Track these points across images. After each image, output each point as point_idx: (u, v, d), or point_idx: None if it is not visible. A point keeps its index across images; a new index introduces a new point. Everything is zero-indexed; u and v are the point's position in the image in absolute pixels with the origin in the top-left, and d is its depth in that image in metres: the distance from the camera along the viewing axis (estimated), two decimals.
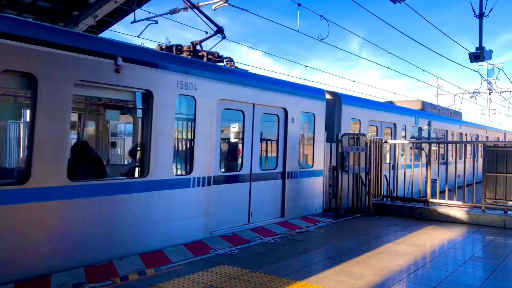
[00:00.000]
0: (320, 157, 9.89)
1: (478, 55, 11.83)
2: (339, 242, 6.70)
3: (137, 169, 6.45)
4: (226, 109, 7.61)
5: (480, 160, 11.40)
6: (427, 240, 6.98)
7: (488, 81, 36.89)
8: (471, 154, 17.45)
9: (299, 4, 11.97)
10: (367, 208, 9.32)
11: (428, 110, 17.30)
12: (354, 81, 34.36)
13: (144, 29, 13.17)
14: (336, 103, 11.11)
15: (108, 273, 4.92)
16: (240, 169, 7.97)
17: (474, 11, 12.01)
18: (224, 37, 8.86)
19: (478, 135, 22.32)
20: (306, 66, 31.57)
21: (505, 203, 8.34)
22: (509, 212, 8.23)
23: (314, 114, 9.69)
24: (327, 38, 12.74)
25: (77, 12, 15.66)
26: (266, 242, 6.61)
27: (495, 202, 8.45)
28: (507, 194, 8.31)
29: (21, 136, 6.11)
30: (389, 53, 19.09)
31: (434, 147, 12.26)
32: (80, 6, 15.45)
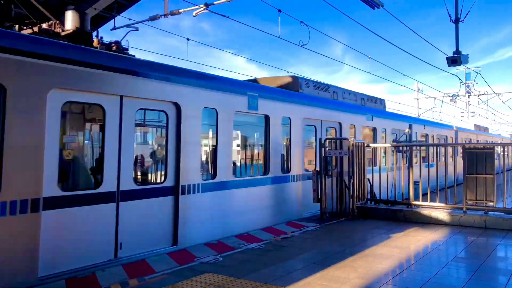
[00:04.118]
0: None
1: (455, 59, 12.06)
2: (324, 247, 6.70)
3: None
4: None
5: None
6: (411, 242, 7.04)
7: (466, 85, 37.71)
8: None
9: (279, 11, 12.03)
10: (351, 211, 9.35)
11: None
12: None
13: (125, 36, 13.06)
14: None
15: (90, 284, 4.81)
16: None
17: (450, 16, 12.27)
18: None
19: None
20: (288, 72, 31.66)
21: (485, 203, 8.47)
22: (489, 212, 8.37)
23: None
24: (309, 44, 12.92)
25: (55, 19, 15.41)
26: (251, 248, 6.56)
27: (476, 203, 8.58)
28: (487, 195, 8.45)
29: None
30: (370, 58, 19.36)
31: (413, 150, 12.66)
32: (58, 14, 15.21)
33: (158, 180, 6.98)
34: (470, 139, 25.70)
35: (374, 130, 13.69)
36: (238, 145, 9.11)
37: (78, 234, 5.61)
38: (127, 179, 6.24)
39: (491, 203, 8.43)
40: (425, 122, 18.49)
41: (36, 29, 6.63)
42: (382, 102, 15.10)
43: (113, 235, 6.06)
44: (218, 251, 6.34)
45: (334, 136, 11.47)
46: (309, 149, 10.95)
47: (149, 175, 7.25)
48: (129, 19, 13.07)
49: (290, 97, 10.18)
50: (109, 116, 6.10)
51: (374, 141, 13.49)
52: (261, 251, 6.38)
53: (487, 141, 29.96)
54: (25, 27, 7.12)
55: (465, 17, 12.29)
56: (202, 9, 11.58)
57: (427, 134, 17.86)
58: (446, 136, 20.54)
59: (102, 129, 6.07)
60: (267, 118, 9.30)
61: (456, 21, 12.23)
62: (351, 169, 9.40)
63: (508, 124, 58.20)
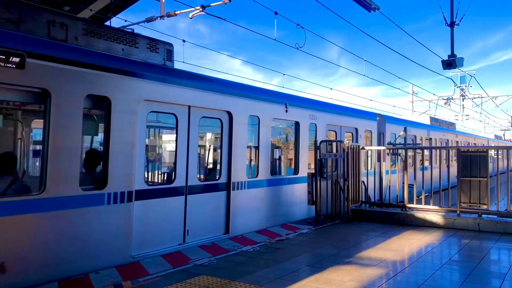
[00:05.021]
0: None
1: (451, 63, 12.12)
2: (318, 249, 6.71)
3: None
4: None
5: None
6: (405, 245, 7.06)
7: (461, 88, 37.94)
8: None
9: (275, 13, 12.05)
10: (345, 214, 9.37)
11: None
12: (331, 89, 34.75)
13: None
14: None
15: (83, 286, 4.78)
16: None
17: (445, 19, 12.33)
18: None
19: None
20: (284, 74, 31.82)
21: (479, 206, 8.51)
22: (483, 215, 8.41)
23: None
24: (305, 46, 12.93)
25: None
26: (245, 251, 6.55)
27: (470, 206, 8.62)
28: (480, 198, 8.50)
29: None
30: (365, 60, 19.41)
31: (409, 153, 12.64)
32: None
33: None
34: (415, 136, 17.72)
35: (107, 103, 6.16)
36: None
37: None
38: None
39: (485, 206, 8.48)
40: (306, 103, 11.37)
41: None
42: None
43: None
44: (212, 253, 6.33)
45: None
46: None
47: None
48: (125, 21, 13.04)
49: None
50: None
51: (106, 135, 6.12)
52: (255, 254, 6.37)
53: (448, 140, 22.50)
54: None
55: (460, 20, 12.36)
56: (198, 11, 11.58)
57: (313, 124, 11.26)
58: (356, 129, 13.17)
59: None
60: None
61: (452, 24, 12.29)
62: (346, 172, 9.42)
63: (501, 127, 58.62)
